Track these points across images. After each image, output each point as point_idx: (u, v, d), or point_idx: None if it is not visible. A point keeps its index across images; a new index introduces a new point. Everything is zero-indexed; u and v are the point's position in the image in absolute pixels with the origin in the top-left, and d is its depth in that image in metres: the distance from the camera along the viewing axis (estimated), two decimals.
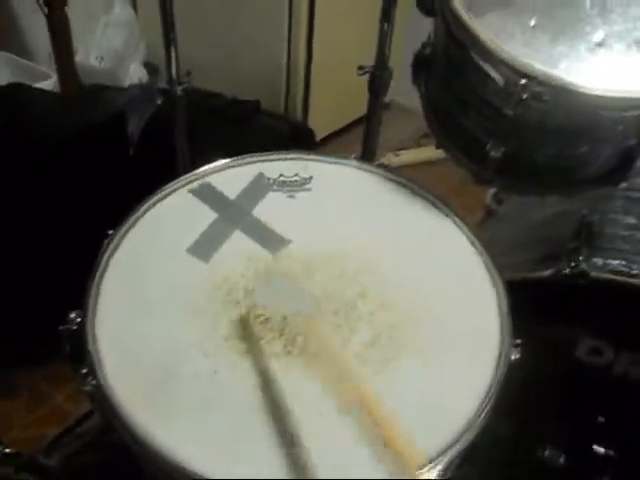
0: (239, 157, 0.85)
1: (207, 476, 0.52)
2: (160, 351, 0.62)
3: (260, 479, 0.53)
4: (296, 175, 0.83)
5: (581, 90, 0.67)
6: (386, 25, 1.06)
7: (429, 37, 0.84)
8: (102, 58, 1.88)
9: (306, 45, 1.89)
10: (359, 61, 1.13)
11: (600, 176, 0.80)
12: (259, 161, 0.85)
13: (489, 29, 0.70)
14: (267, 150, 0.86)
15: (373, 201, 0.82)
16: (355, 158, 0.88)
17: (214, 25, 1.92)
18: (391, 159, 2.04)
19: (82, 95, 1.53)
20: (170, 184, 0.80)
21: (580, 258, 0.81)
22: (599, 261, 0.83)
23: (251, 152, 0.86)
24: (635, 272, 0.81)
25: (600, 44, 0.71)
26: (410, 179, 0.84)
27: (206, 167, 0.83)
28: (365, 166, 0.86)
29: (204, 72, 1.28)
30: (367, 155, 1.24)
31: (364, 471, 0.54)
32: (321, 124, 2.01)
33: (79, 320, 0.63)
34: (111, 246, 0.71)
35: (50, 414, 1.28)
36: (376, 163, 0.93)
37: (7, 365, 1.26)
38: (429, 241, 0.77)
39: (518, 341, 0.65)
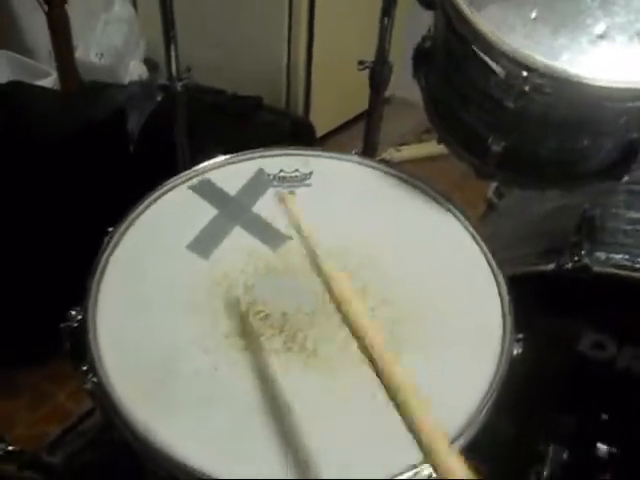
0: (239, 153, 0.84)
1: (207, 473, 0.52)
2: (160, 348, 0.62)
3: (259, 478, 0.53)
4: (296, 171, 0.83)
5: (585, 81, 0.66)
6: (386, 20, 1.06)
7: (429, 30, 0.83)
8: (102, 55, 1.87)
9: (306, 42, 1.88)
10: (359, 56, 1.12)
11: (602, 170, 0.79)
12: (259, 157, 0.85)
13: (490, 22, 0.69)
14: (267, 146, 0.86)
15: (374, 196, 0.82)
16: (356, 153, 0.88)
17: (214, 25, 1.92)
18: (392, 154, 2.03)
19: (82, 92, 1.53)
20: (170, 180, 0.80)
21: (582, 252, 0.81)
22: (602, 255, 0.82)
23: (252, 148, 0.85)
24: (638, 266, 0.80)
25: (602, 36, 0.70)
26: (411, 174, 0.83)
27: (206, 163, 0.83)
28: (366, 161, 0.86)
29: (204, 72, 1.28)
30: (368, 150, 1.24)
31: (364, 471, 0.53)
32: (322, 120, 2.00)
33: (79, 317, 0.63)
34: (111, 243, 0.71)
35: (52, 413, 1.27)
36: (377, 158, 0.92)
37: (8, 365, 1.26)
38: (431, 236, 0.77)
39: (520, 336, 0.64)
